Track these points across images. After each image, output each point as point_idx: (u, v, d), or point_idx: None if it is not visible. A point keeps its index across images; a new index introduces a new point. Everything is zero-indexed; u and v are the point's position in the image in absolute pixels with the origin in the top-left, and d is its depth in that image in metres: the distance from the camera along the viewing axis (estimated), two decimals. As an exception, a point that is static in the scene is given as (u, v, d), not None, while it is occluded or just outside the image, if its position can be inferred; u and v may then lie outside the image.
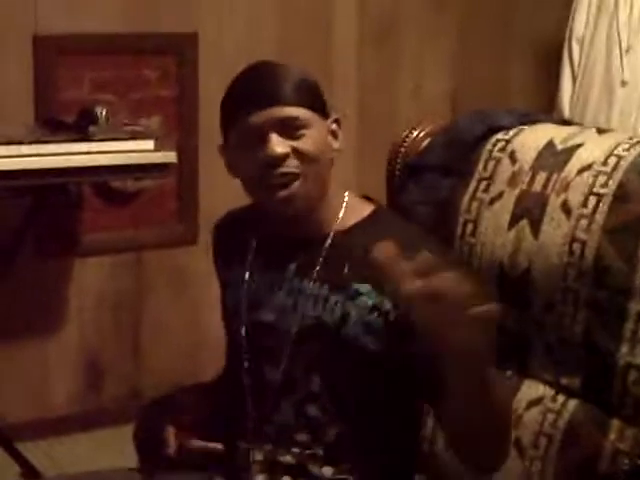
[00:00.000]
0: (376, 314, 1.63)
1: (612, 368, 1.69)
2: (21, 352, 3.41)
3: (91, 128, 2.90)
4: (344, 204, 1.74)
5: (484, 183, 1.88)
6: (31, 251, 3.31)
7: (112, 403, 3.54)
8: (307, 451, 1.67)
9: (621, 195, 1.71)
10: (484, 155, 1.90)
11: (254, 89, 1.68)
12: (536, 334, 1.78)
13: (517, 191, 1.83)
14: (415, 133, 2.01)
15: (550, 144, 1.83)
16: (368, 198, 1.79)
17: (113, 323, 3.53)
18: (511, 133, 1.90)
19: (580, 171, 1.76)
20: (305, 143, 1.66)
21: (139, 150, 2.96)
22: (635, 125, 3.32)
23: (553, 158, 1.81)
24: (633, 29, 3.36)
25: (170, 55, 3.46)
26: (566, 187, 1.77)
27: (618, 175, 1.72)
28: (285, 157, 1.65)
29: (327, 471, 1.67)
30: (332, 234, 1.71)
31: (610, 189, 1.72)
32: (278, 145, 1.65)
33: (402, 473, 1.76)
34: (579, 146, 1.80)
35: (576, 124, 2.06)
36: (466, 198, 1.90)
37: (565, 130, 1.88)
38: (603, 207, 1.71)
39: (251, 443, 1.70)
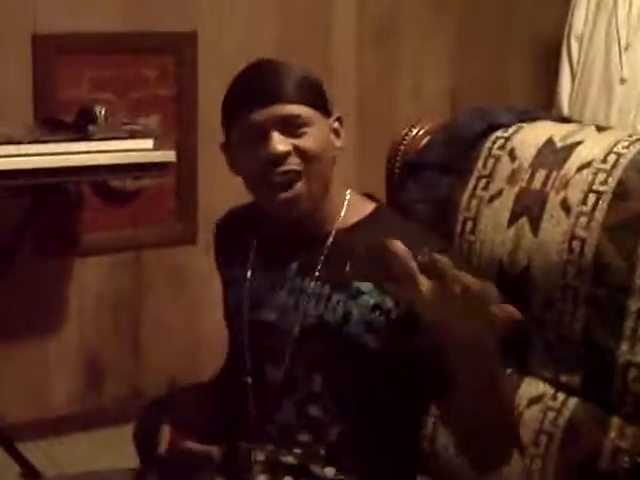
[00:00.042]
0: (378, 313, 1.63)
1: (612, 366, 1.69)
2: (21, 352, 3.40)
3: (90, 127, 2.90)
4: (346, 202, 1.73)
5: (483, 181, 1.88)
6: (30, 251, 3.31)
7: (112, 403, 3.54)
8: (309, 450, 1.67)
9: (620, 193, 1.70)
10: (483, 153, 1.90)
11: (256, 87, 1.67)
12: (536, 332, 1.78)
13: (517, 189, 1.83)
14: (414, 131, 2.01)
15: (549, 142, 1.83)
16: (370, 196, 1.78)
17: (113, 323, 3.53)
18: (510, 131, 1.90)
19: (580, 169, 1.76)
20: (307, 141, 1.66)
21: (138, 149, 2.96)
22: (634, 122, 3.32)
23: (552, 156, 1.81)
24: (632, 27, 3.35)
25: (169, 54, 3.46)
26: (566, 185, 1.76)
27: (617, 173, 1.72)
28: (287, 155, 1.64)
29: (329, 471, 1.66)
30: (334, 233, 1.71)
31: (609, 187, 1.72)
32: (280, 143, 1.64)
33: (404, 473, 1.75)
34: (578, 144, 1.80)
35: (575, 122, 2.06)
36: (466, 196, 1.90)
37: (564, 128, 1.88)
38: (602, 205, 1.71)
39: (253, 443, 1.69)
